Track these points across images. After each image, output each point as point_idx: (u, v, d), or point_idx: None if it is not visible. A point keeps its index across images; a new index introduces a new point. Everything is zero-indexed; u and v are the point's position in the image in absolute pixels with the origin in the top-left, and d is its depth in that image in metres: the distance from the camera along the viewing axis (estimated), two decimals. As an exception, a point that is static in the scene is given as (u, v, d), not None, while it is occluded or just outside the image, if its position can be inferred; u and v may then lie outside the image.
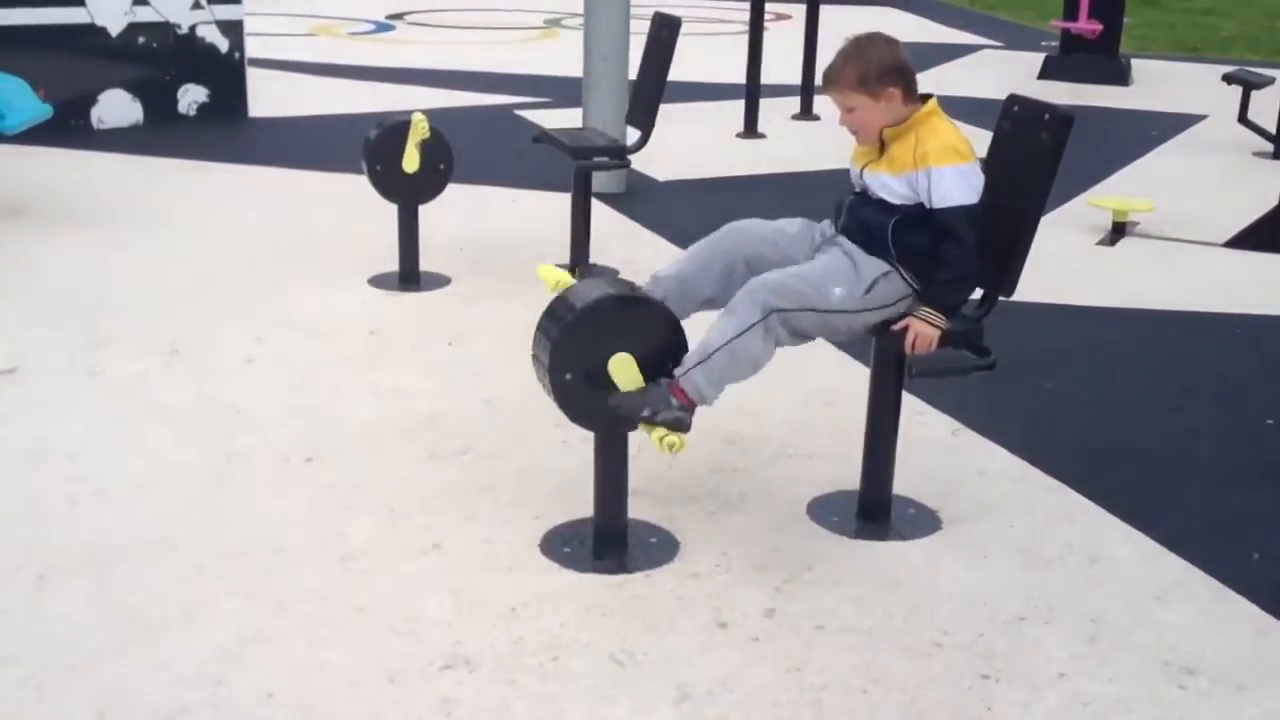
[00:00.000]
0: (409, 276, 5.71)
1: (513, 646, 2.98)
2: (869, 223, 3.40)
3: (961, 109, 9.70)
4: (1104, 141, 9.39)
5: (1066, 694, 2.90)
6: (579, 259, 5.92)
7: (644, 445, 3.48)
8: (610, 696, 2.83)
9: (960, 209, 3.30)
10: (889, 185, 3.39)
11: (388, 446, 4.05)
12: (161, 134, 8.80)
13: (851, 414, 4.29)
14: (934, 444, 4.19)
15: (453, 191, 5.82)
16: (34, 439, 4.02)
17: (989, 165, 3.55)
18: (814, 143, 9.20)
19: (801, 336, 3.36)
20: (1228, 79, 9.61)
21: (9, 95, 6.55)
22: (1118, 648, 3.08)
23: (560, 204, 6.43)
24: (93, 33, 8.72)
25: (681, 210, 7.29)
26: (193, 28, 9.20)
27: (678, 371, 3.23)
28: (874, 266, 3.36)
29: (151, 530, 3.48)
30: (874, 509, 3.66)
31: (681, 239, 6.52)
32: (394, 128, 5.57)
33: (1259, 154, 9.25)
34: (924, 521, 3.67)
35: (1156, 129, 10.23)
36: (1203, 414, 4.55)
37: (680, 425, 3.18)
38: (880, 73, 3.35)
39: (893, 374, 3.54)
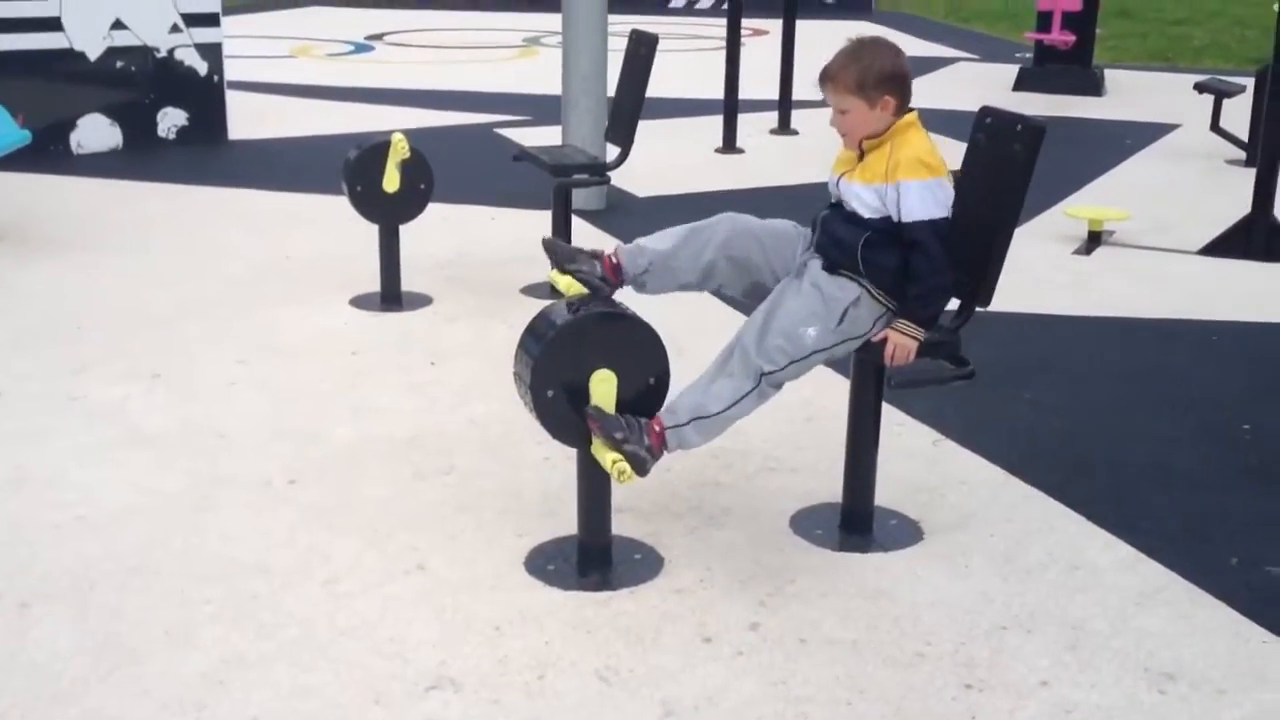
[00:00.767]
0: (390, 296, 5.72)
1: (498, 665, 2.99)
2: (841, 239, 3.40)
3: (938, 121, 9.75)
4: (1079, 151, 9.47)
5: (1048, 702, 2.91)
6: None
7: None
8: (596, 714, 2.84)
9: (927, 223, 3.31)
10: (861, 196, 3.39)
11: (371, 467, 4.06)
12: (141, 158, 8.80)
13: (833, 427, 4.32)
14: (915, 455, 4.21)
15: (433, 211, 5.84)
16: (15, 465, 4.01)
17: (963, 177, 3.58)
18: (793, 157, 9.25)
19: (792, 379, 3.40)
20: (1199, 88, 9.70)
21: (-13, 121, 6.56)
22: (1098, 655, 3.10)
23: (541, 221, 6.46)
24: (71, 58, 8.73)
25: (661, 226, 7.22)
26: (171, 51, 9.22)
27: (669, 420, 3.25)
28: (843, 294, 3.35)
29: (134, 556, 3.48)
30: (856, 521, 3.69)
31: (661, 255, 6.54)
32: (374, 148, 5.59)
33: (1231, 161, 9.34)
34: (906, 532, 3.69)
35: (1130, 138, 10.31)
36: (1180, 421, 4.59)
37: (640, 466, 3.19)
38: (880, 80, 3.35)
39: (872, 386, 3.56)
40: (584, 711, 2.84)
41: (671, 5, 22.45)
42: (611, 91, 6.63)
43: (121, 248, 6.59)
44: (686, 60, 14.37)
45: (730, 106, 9.62)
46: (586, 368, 3.22)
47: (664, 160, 8.74)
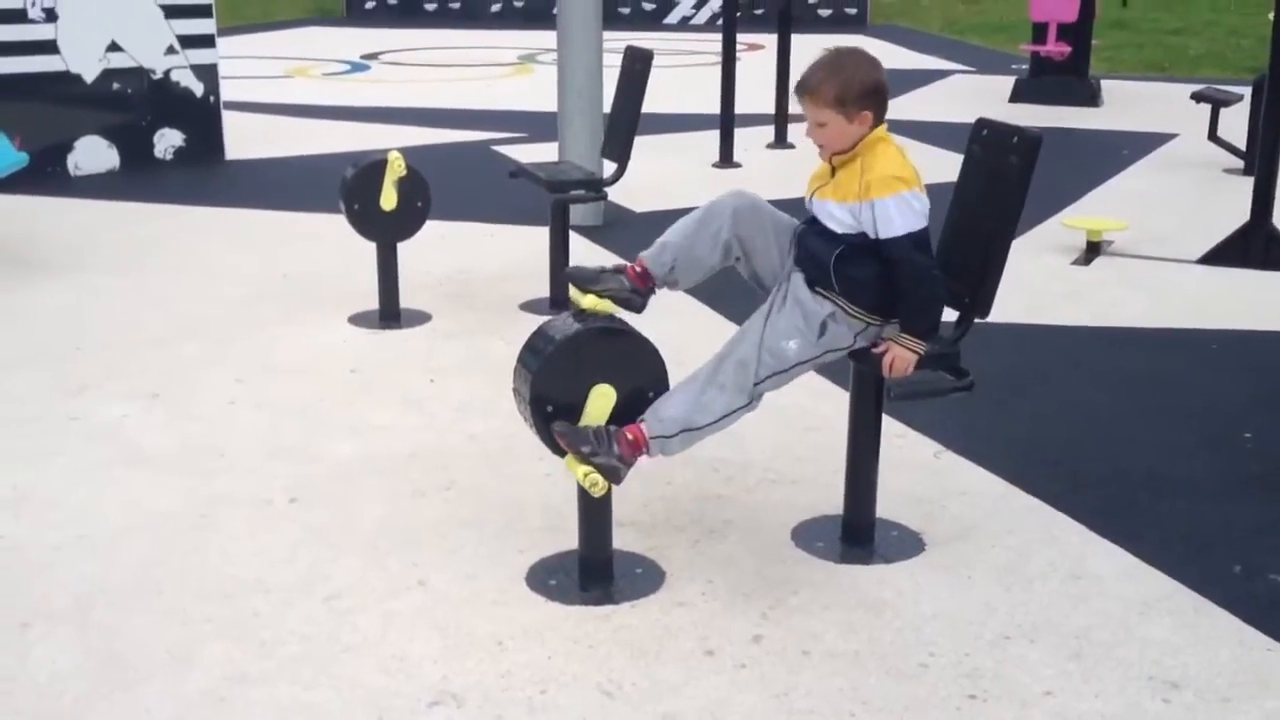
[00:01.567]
0: (389, 314, 5.72)
1: (500, 680, 2.98)
2: (815, 254, 3.38)
3: (935, 133, 9.84)
4: (1076, 162, 9.48)
5: (1052, 712, 2.91)
6: (558, 293, 5.94)
7: (627, 477, 3.50)
8: (599, 728, 2.83)
9: (906, 238, 3.27)
10: (833, 213, 3.36)
11: (371, 484, 4.05)
12: (138, 179, 8.82)
13: (833, 438, 4.32)
14: (916, 466, 4.21)
15: (431, 228, 5.84)
16: (14, 486, 4.01)
17: (960, 189, 3.58)
18: (789, 171, 9.23)
19: (778, 388, 3.40)
20: (1196, 97, 9.71)
21: (-15, 144, 6.57)
22: (1102, 664, 3.09)
23: (538, 238, 6.47)
24: (67, 80, 8.75)
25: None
26: (167, 72, 9.24)
27: (655, 429, 3.24)
28: (820, 308, 3.35)
29: (135, 575, 3.47)
30: (858, 533, 3.68)
31: (660, 270, 6.55)
32: (371, 166, 5.60)
33: (1229, 170, 9.35)
34: (908, 544, 3.68)
35: (1128, 148, 10.33)
36: (1181, 430, 4.58)
37: (614, 476, 3.21)
38: (860, 94, 3.30)
39: (872, 398, 3.56)
40: (587, 726, 2.84)
41: (666, 21, 22.52)
42: (607, 108, 6.64)
43: (119, 268, 6.60)
44: (682, 75, 14.41)
45: (726, 121, 9.64)
46: (585, 383, 3.22)
47: (661, 175, 8.76)
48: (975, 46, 18.89)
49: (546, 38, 12.64)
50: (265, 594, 3.37)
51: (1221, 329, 5.78)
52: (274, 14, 22.58)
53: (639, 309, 3.42)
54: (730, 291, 4.08)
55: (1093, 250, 7.01)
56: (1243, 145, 9.30)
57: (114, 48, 8.93)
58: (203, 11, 9.38)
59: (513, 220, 7.54)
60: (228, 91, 9.91)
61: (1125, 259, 6.96)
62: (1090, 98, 12.68)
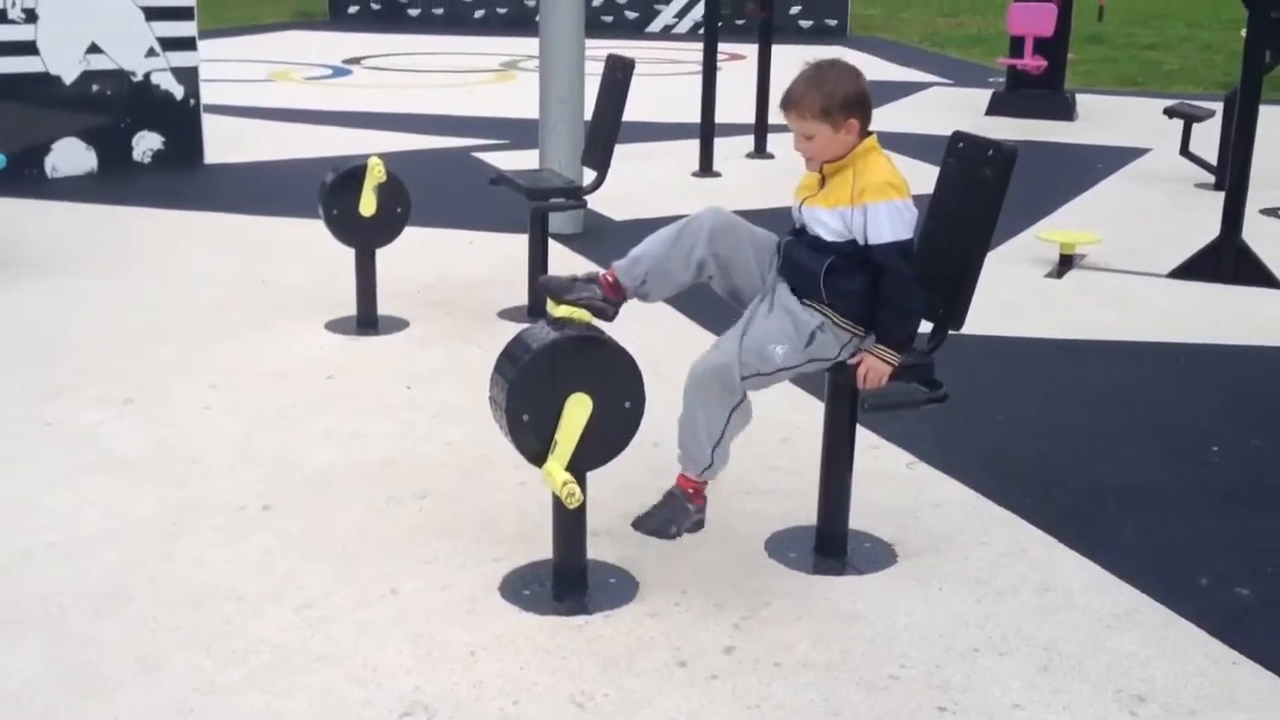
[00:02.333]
0: (367, 320, 5.72)
1: (473, 691, 2.99)
2: (803, 266, 3.41)
3: (913, 145, 9.87)
4: (1051, 175, 9.54)
5: (1022, 724, 2.93)
6: (537, 300, 5.95)
7: (602, 486, 3.52)
8: (570, 738, 2.84)
9: (894, 245, 3.31)
10: (824, 220, 3.39)
11: (345, 492, 4.05)
12: (116, 182, 8.79)
13: (807, 449, 4.34)
14: (889, 478, 4.23)
15: (410, 234, 5.84)
16: (-12, 491, 4.00)
17: (935, 201, 3.61)
18: (769, 181, 9.29)
19: (760, 389, 3.44)
20: (1169, 113, 9.79)
21: (-39, 146, 6.54)
22: (1070, 677, 3.12)
23: (518, 245, 6.48)
24: (46, 81, 8.71)
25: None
26: (147, 75, 9.21)
27: (702, 471, 3.39)
28: (810, 318, 3.38)
29: (106, 582, 3.46)
30: (831, 544, 3.70)
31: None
32: (350, 172, 5.59)
33: (1200, 185, 9.42)
34: (880, 555, 3.71)
35: (1101, 162, 10.40)
36: (1150, 442, 4.62)
37: (698, 527, 3.43)
38: (844, 103, 3.34)
39: (847, 409, 3.58)
40: (558, 736, 2.84)
41: (649, 30, 22.56)
42: (588, 115, 6.66)
43: (96, 272, 6.58)
44: (663, 84, 14.43)
45: (707, 130, 9.67)
46: (562, 391, 3.23)
47: (641, 183, 8.78)
48: (953, 59, 18.99)
49: (529, 44, 12.66)
50: (237, 602, 3.36)
51: (1191, 343, 5.83)
52: (256, 17, 22.53)
53: (610, 318, 3.44)
54: (710, 303, 4.09)
55: (1066, 263, 7.07)
56: (1214, 160, 9.37)
57: (94, 49, 8.90)
58: (184, 14, 9.35)
59: (492, 227, 7.55)
60: (208, 95, 9.89)
61: (1097, 272, 7.02)
62: (1065, 112, 12.77)
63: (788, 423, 4.62)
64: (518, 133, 10.79)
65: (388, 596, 3.41)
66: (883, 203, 3.31)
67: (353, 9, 23.71)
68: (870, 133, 3.44)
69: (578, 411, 3.23)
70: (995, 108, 12.88)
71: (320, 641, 3.18)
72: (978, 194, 3.46)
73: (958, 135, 3.65)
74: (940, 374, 3.50)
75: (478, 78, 15.74)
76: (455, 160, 10.05)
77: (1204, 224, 7.37)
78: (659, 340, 5.07)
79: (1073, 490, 4.20)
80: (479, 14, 23.28)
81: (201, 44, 9.61)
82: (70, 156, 8.90)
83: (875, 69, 16.53)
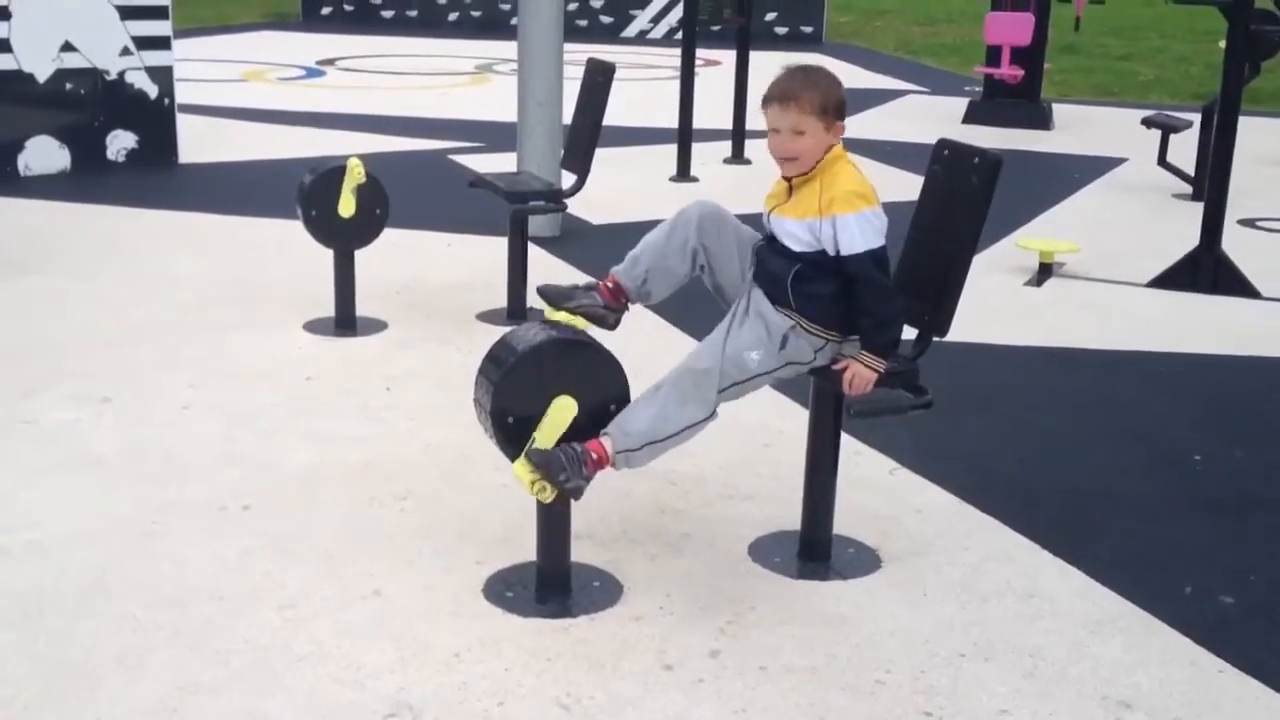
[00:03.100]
0: (345, 321, 5.68)
1: (457, 693, 2.96)
2: (774, 272, 3.40)
3: (889, 153, 9.91)
4: (1029, 184, 9.58)
5: (1008, 729, 2.93)
6: (516, 302, 5.93)
7: (588, 493, 3.50)
8: (556, 741, 2.82)
9: (866, 255, 3.30)
10: (792, 231, 3.38)
11: (326, 493, 4.02)
12: (90, 181, 8.71)
13: (790, 454, 4.33)
14: (872, 483, 4.23)
15: (388, 236, 5.81)
16: (-38, 490, 3.94)
17: (920, 208, 3.61)
18: (746, 186, 9.27)
19: (736, 400, 3.42)
20: (1147, 123, 9.85)
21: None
22: (1056, 683, 3.12)
23: (496, 248, 6.45)
24: (19, 79, 8.62)
25: (616, 253, 7.19)
26: (121, 74, 9.13)
27: (621, 444, 3.24)
28: (782, 322, 3.37)
29: (85, 580, 3.42)
30: (815, 549, 3.69)
31: (617, 282, 6.55)
32: (329, 173, 5.56)
33: (1178, 195, 9.48)
34: (864, 561, 3.70)
35: (1079, 171, 10.46)
36: (1131, 451, 4.64)
37: (578, 494, 3.22)
38: (838, 104, 3.36)
39: (831, 415, 3.57)
40: (544, 740, 2.82)
41: (624, 35, 22.56)
42: (567, 119, 6.64)
43: (71, 271, 6.51)
44: (639, 89, 14.42)
45: (684, 135, 9.67)
46: (547, 394, 3.21)
47: (619, 188, 8.76)
48: (929, 67, 19.06)
49: (503, 47, 12.62)
50: (218, 602, 3.33)
51: (1170, 352, 5.85)
52: (230, 17, 22.40)
53: (612, 326, 3.42)
54: (695, 309, 4.10)
55: (1045, 271, 7.09)
56: (1191, 170, 9.44)
57: (68, 48, 8.82)
58: (158, 13, 9.28)
59: (470, 230, 7.52)
60: (182, 94, 9.82)
61: (1077, 280, 7.05)
62: (1042, 121, 12.83)
63: (771, 427, 4.62)
64: (494, 136, 10.77)
65: (370, 597, 3.38)
66: (852, 214, 3.29)
67: (326, 10, 23.60)
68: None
69: (562, 415, 3.21)
70: (972, 116, 12.93)
71: (303, 641, 3.15)
72: (963, 202, 3.46)
73: (943, 143, 3.65)
74: (924, 380, 3.50)
75: (452, 80, 15.69)
76: (431, 162, 10.01)
77: (1182, 233, 7.42)
78: (641, 343, 5.04)
79: (1055, 497, 4.21)
80: (453, 16, 23.21)
81: (175, 43, 9.54)
82: (43, 155, 8.81)
83: (851, 76, 16.58)
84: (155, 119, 9.34)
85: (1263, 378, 5.59)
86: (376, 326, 5.72)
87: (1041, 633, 3.35)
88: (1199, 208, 7.16)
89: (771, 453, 4.44)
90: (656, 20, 22.80)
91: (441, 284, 6.48)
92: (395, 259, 6.66)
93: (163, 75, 9.34)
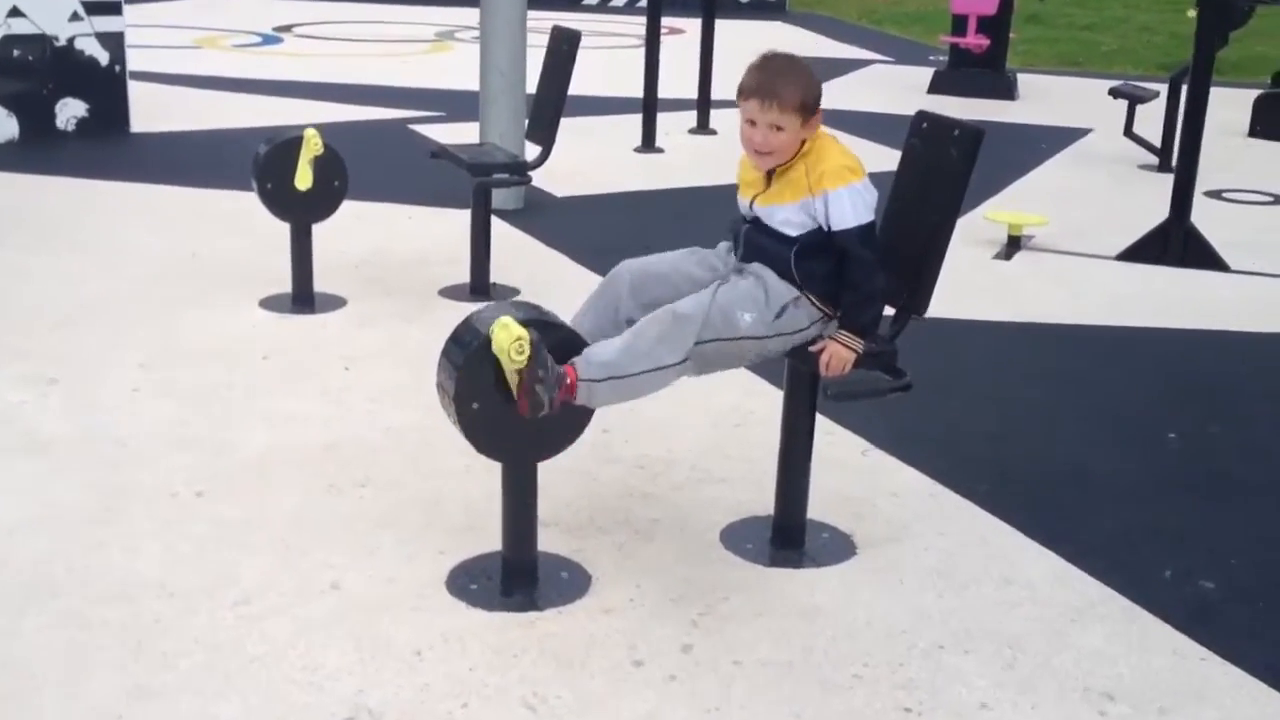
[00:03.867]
0: (303, 298, 5.52)
1: (419, 693, 2.84)
2: (769, 253, 3.30)
3: (855, 123, 9.79)
4: (995, 155, 9.42)
5: (989, 724, 2.84)
6: (479, 277, 5.79)
7: (552, 474, 3.39)
8: (523, 742, 2.71)
9: (856, 230, 3.23)
10: (786, 218, 3.29)
11: (282, 478, 3.88)
12: (38, 150, 8.47)
13: (762, 435, 4.23)
14: (844, 465, 4.13)
15: (347, 208, 5.64)
16: (-100, 478, 3.78)
17: (898, 183, 3.50)
18: (712, 157, 9.17)
19: (709, 367, 3.28)
20: (1114, 93, 9.78)
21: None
22: (1037, 674, 3.03)
23: (457, 220, 6.30)
24: (-36, 45, 8.37)
25: (581, 226, 7.19)
26: (71, 40, 8.88)
27: (583, 371, 3.09)
28: (785, 291, 3.28)
29: (28, 573, 3.27)
30: (788, 535, 3.59)
31: (582, 256, 6.43)
32: (285, 144, 5.38)
33: (1144, 166, 9.43)
34: (838, 547, 3.60)
35: (1045, 142, 10.38)
36: (1105, 429, 4.56)
37: (537, 408, 2.97)
38: (817, 98, 3.28)
39: (807, 397, 3.46)
40: (511, 741, 2.71)
41: (585, 2, 22.29)
42: (530, 88, 6.49)
43: (18, 244, 6.31)
44: (601, 58, 14.23)
45: (649, 105, 9.51)
46: (512, 378, 3.07)
47: (582, 159, 8.61)
48: (893, 36, 18.94)
49: (463, 14, 12.40)
50: (169, 597, 3.18)
51: (1141, 326, 5.79)
52: (182, -18, 21.95)
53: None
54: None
55: (1014, 244, 7.01)
56: (1158, 141, 9.38)
57: (15, 13, 8.55)
58: (109, -22, 9.04)
59: (431, 202, 7.35)
60: (134, 61, 9.57)
61: (1046, 253, 6.97)
62: (1007, 91, 12.75)
63: (741, 407, 4.51)
64: (455, 104, 10.58)
65: (329, 591, 3.25)
66: (844, 187, 3.22)
67: (284, -25, 23.16)
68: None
69: (504, 335, 2.98)
70: (937, 86, 12.83)
71: (257, 640, 3.01)
72: (942, 175, 3.35)
73: (921, 115, 3.54)
74: (899, 363, 3.40)
75: (413, 47, 15.44)
76: (391, 132, 9.81)
77: (1149, 205, 7.36)
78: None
79: (1029, 478, 4.13)
80: (414, -18, 22.83)
81: (126, 9, 9.28)
82: (-10, 123, 8.57)
83: (815, 45, 16.46)
84: (106, 87, 9.10)
85: (1235, 352, 5.53)
86: (335, 303, 5.56)
87: (1021, 621, 3.26)
88: (1165, 179, 7.12)
89: (742, 433, 4.33)
90: (619, -13, 22.53)
91: (402, 258, 6.33)
92: (354, 232, 6.50)
93: (114, 41, 9.10)
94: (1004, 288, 6.33)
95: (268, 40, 15.56)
